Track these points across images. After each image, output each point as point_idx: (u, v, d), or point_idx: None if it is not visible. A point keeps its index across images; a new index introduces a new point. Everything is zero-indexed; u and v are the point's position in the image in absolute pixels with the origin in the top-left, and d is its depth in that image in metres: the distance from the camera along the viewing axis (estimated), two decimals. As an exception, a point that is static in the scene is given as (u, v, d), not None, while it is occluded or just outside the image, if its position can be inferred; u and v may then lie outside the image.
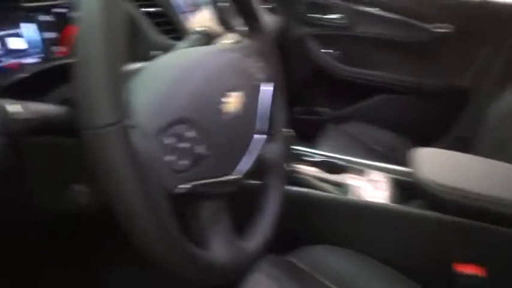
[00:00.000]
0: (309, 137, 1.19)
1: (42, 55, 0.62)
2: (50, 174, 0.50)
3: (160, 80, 0.44)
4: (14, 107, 0.37)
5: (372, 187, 0.86)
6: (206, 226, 0.45)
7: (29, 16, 0.59)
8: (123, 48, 0.34)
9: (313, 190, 0.82)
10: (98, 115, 0.32)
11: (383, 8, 1.37)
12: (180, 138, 0.40)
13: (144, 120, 0.38)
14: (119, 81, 0.33)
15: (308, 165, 0.90)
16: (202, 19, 0.84)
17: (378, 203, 0.80)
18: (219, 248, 0.45)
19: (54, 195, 0.50)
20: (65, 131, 0.45)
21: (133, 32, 0.68)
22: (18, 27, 0.58)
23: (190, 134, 0.41)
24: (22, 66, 0.59)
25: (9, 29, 0.57)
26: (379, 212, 0.79)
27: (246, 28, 0.96)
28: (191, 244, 0.41)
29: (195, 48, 0.58)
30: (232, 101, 0.49)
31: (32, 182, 0.52)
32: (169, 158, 0.39)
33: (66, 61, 0.62)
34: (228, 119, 0.47)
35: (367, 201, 0.80)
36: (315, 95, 1.52)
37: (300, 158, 0.91)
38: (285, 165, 0.64)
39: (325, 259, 0.78)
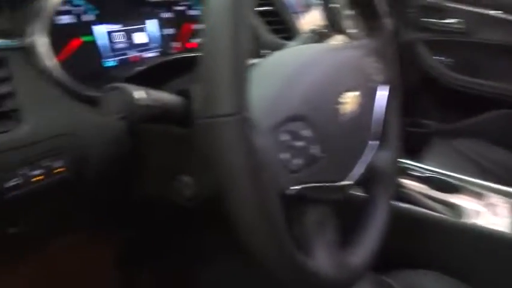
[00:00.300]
0: (414, 150, 1.10)
1: (160, 49, 0.65)
2: (161, 163, 0.52)
3: (276, 75, 0.43)
4: (139, 93, 0.38)
5: (490, 212, 0.76)
6: (310, 233, 0.42)
7: (153, 12, 0.63)
8: (248, 40, 0.33)
9: (420, 208, 0.74)
10: (220, 104, 0.31)
11: (507, 11, 1.21)
12: (296, 136, 0.38)
13: (260, 116, 0.37)
14: (244, 74, 0.32)
15: (414, 181, 0.82)
16: (312, 20, 0.81)
17: (497, 231, 0.70)
18: (323, 258, 0.42)
19: (163, 185, 0.51)
20: (179, 121, 0.45)
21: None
22: (143, 23, 0.61)
23: (306, 132, 0.39)
24: (142, 60, 0.62)
25: (135, 24, 0.60)
26: (499, 242, 0.70)
27: (356, 30, 0.91)
28: (297, 249, 0.38)
29: (311, 45, 0.56)
30: (349, 102, 0.45)
31: (143, 170, 0.54)
32: (283, 155, 0.37)
33: (181, 56, 0.64)
34: (344, 120, 0.44)
35: (485, 228, 0.71)
36: (422, 105, 1.40)
37: (404, 172, 0.83)
38: (395, 177, 0.58)
39: (427, 286, 0.70)
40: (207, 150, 0.34)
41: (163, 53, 0.65)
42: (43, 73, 0.46)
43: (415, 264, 0.73)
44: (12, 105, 0.44)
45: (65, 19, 0.52)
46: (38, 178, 0.43)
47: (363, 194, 0.57)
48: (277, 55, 0.48)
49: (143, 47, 0.62)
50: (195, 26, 0.69)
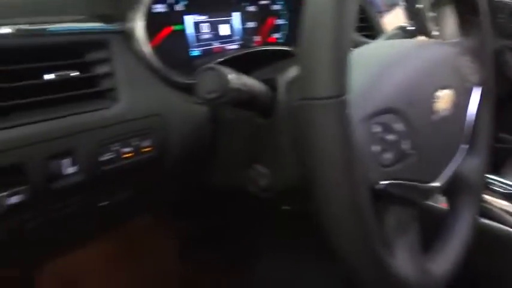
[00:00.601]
0: (496, 166, 1.02)
1: (242, 42, 0.66)
2: (239, 151, 0.52)
3: (369, 67, 0.41)
4: (231, 76, 0.38)
5: None
6: (393, 232, 0.41)
7: (238, 5, 0.64)
8: (353, 22, 0.32)
9: (503, 226, 0.69)
10: (319, 86, 0.31)
11: None
12: (387, 128, 0.37)
13: (353, 106, 0.36)
14: (346, 56, 0.32)
15: (497, 197, 0.76)
16: (395, 20, 0.79)
17: None
18: (404, 260, 0.40)
19: (238, 173, 0.51)
20: (263, 109, 0.46)
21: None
22: (229, 15, 0.63)
23: (398, 126, 0.38)
24: (224, 51, 0.64)
25: (222, 16, 0.62)
26: None
27: (438, 33, 0.86)
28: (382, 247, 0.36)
29: (404, 39, 0.54)
30: (444, 100, 0.43)
31: (220, 157, 0.55)
32: (375, 148, 0.36)
33: (262, 48, 0.64)
34: (437, 118, 0.42)
35: None
36: (507, 119, 1.29)
37: (487, 187, 0.77)
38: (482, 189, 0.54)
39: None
40: (297, 136, 0.34)
41: (244, 46, 0.66)
42: (139, 57, 0.49)
43: (494, 284, 0.67)
44: (110, 85, 0.46)
45: (160, 8, 0.54)
46: (128, 155, 0.46)
47: (446, 207, 0.54)
48: (369, 47, 0.47)
49: (226, 38, 0.64)
50: (277, 21, 0.69)
